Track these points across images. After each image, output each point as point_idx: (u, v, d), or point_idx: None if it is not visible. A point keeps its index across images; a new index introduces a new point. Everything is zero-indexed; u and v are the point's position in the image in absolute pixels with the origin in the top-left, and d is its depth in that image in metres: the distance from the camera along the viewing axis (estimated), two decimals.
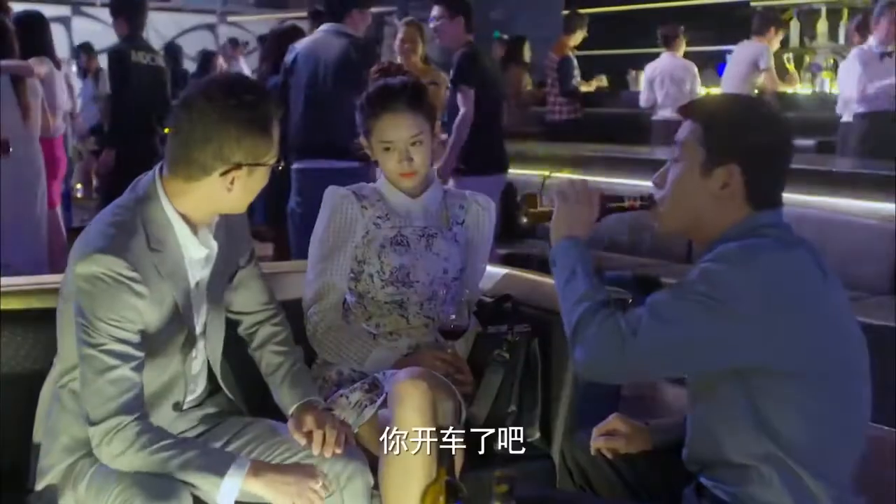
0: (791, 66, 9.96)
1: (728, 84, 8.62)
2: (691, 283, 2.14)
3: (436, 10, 6.11)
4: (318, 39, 5.63)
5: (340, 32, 5.52)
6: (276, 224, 6.24)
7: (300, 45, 5.68)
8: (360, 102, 3.11)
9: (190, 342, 2.54)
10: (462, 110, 5.93)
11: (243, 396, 2.76)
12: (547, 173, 2.45)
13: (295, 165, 5.50)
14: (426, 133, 3.06)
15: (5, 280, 3.00)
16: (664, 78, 9.14)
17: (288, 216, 5.63)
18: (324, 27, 5.65)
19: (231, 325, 2.76)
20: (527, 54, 10.68)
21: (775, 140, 2.29)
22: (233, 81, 2.46)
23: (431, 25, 6.22)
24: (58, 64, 6.46)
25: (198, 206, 2.47)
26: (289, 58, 5.67)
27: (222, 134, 2.35)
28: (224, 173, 2.39)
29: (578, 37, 9.91)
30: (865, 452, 2.25)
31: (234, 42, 14.36)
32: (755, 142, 2.26)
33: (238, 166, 2.39)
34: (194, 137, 2.37)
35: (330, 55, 5.45)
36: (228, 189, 2.41)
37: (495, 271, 3.44)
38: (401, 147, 3.03)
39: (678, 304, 2.14)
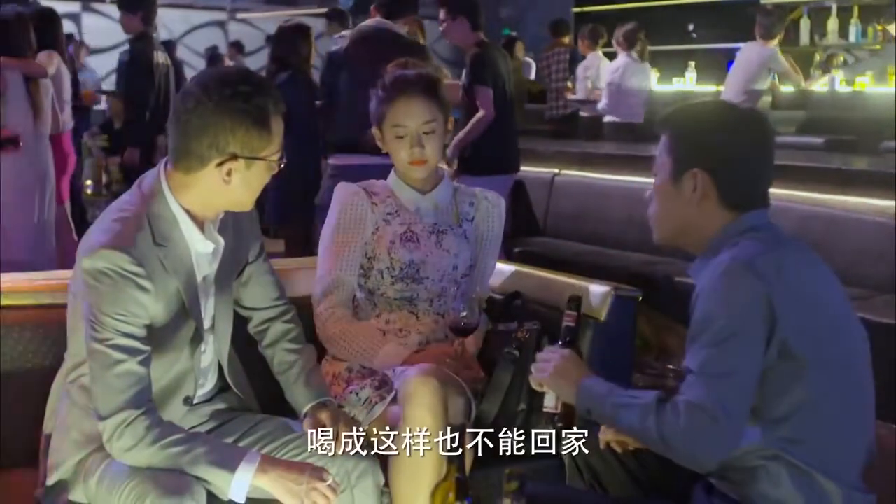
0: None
1: (734, 85, 8.46)
2: (711, 323, 2.14)
3: (440, 12, 6.12)
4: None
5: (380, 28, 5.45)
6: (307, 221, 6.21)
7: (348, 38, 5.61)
8: (375, 90, 3.12)
9: (198, 337, 2.54)
10: (481, 111, 5.92)
11: (254, 393, 2.75)
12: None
13: (332, 161, 5.46)
14: (439, 123, 3.06)
15: (15, 276, 3.01)
16: (625, 79, 9.09)
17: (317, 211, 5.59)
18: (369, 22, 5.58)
19: (241, 322, 2.76)
20: (519, 53, 10.73)
21: (739, 141, 2.29)
22: (230, 73, 2.48)
23: (440, 28, 6.24)
24: (65, 59, 6.47)
25: (200, 200, 2.47)
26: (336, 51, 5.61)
27: (217, 123, 2.37)
28: (220, 164, 2.40)
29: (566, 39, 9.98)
30: (873, 449, 2.25)
31: (237, 45, 14.43)
32: (716, 145, 2.28)
33: (234, 157, 2.40)
34: (191, 127, 2.38)
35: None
36: (226, 181, 2.42)
37: (505, 268, 3.44)
38: (413, 133, 3.03)
39: (717, 353, 2.13)
